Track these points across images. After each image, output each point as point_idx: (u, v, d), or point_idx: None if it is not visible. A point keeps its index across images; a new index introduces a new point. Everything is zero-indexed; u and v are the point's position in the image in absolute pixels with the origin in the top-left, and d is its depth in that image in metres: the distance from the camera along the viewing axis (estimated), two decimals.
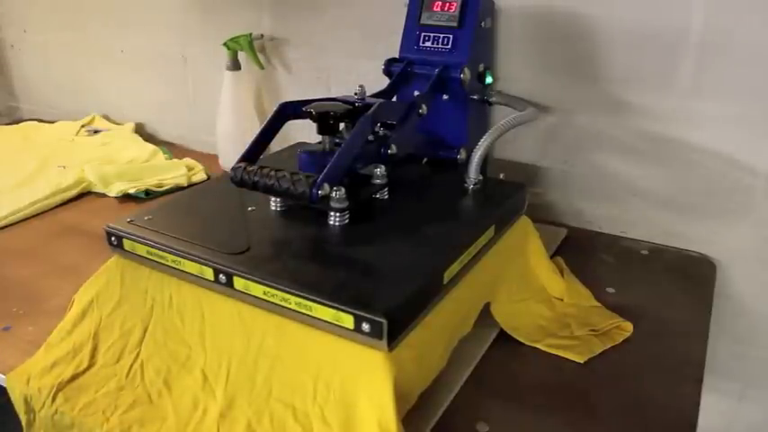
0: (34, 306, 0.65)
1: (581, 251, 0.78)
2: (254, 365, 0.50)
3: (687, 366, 0.57)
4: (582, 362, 0.56)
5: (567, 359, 0.57)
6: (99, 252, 0.60)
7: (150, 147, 1.11)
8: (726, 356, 0.82)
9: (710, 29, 0.70)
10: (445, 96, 0.75)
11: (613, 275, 0.72)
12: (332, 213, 0.57)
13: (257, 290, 0.49)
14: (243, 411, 0.48)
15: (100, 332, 0.56)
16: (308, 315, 0.47)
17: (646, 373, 0.56)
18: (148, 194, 0.92)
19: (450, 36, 0.73)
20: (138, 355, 0.54)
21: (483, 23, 0.75)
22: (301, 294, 0.47)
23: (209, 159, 1.05)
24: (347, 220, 0.57)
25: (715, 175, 0.75)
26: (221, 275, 0.51)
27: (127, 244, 0.56)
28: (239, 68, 1.01)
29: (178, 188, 0.96)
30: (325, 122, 0.59)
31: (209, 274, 0.51)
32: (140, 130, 1.22)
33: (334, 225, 0.57)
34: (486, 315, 0.58)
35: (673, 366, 0.57)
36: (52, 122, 1.26)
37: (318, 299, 0.46)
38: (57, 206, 0.90)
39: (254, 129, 1.04)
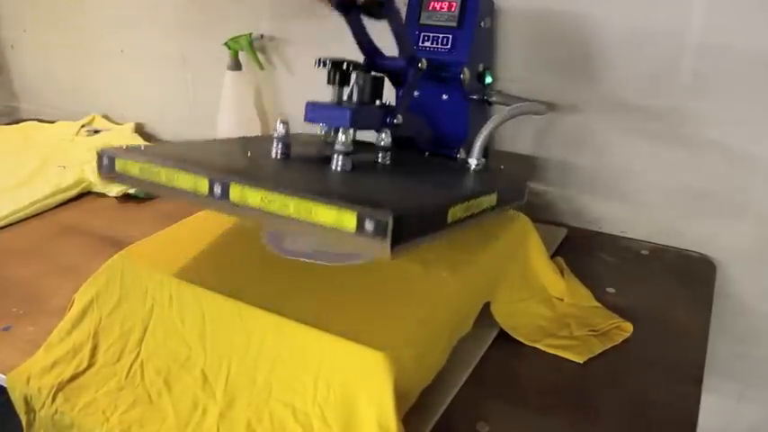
0: (34, 306, 0.65)
1: (581, 251, 0.78)
2: (254, 365, 0.50)
3: (687, 366, 0.57)
4: (581, 362, 0.56)
5: (567, 359, 0.57)
6: (99, 252, 0.60)
7: None
8: (726, 356, 0.82)
9: (710, 29, 0.70)
10: (445, 96, 0.75)
11: (613, 275, 0.72)
12: (336, 157, 0.55)
13: (254, 198, 0.47)
14: (243, 411, 0.48)
15: (100, 332, 0.56)
16: (307, 222, 0.44)
17: (646, 373, 0.56)
18: (148, 194, 0.92)
19: (450, 36, 0.73)
20: (138, 354, 0.54)
21: (483, 23, 0.75)
22: (301, 196, 0.44)
23: None
24: (350, 168, 0.55)
25: (715, 174, 0.76)
26: (216, 186, 0.48)
27: (119, 164, 0.54)
28: (240, 68, 1.01)
29: None
30: (339, 70, 0.59)
31: (203, 186, 0.49)
32: (140, 130, 1.22)
33: (336, 170, 0.55)
34: (486, 315, 0.58)
35: (673, 366, 0.57)
36: (52, 122, 1.26)
37: (320, 199, 0.44)
38: (57, 206, 0.90)
39: (255, 128, 1.04)
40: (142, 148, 0.56)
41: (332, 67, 0.59)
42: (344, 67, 0.59)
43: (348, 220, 0.42)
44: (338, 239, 0.43)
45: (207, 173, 0.49)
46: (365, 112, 0.59)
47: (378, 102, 0.62)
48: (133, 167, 0.53)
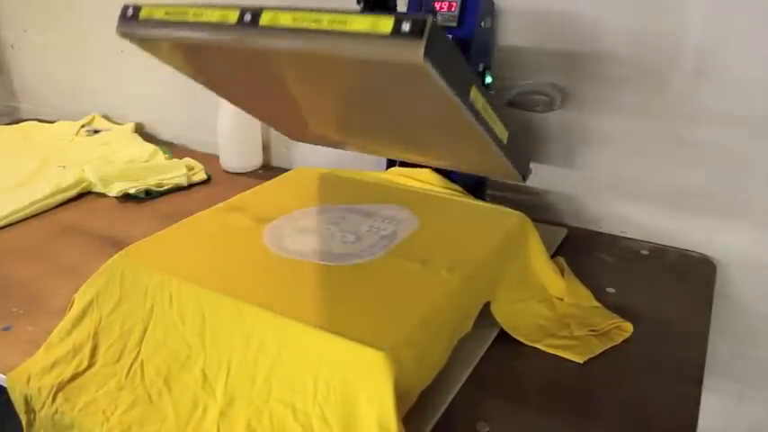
0: (34, 306, 0.65)
1: (581, 251, 0.78)
2: (254, 365, 0.50)
3: (687, 366, 0.57)
4: (581, 362, 0.57)
5: (567, 359, 0.57)
6: (99, 252, 0.60)
7: (150, 147, 1.11)
8: (726, 356, 0.82)
9: (710, 28, 0.70)
10: None
11: (613, 275, 0.72)
12: None
13: (286, 18, 0.46)
14: (243, 411, 0.48)
15: (100, 332, 0.56)
16: (340, 32, 0.43)
17: (646, 373, 0.56)
18: (148, 194, 0.92)
19: (450, 36, 0.73)
20: (138, 354, 0.54)
21: (483, 23, 0.75)
22: (335, 10, 0.44)
23: (209, 159, 1.05)
24: None
25: (715, 174, 0.76)
26: (247, 14, 0.47)
27: (144, 12, 0.54)
28: None
29: (178, 188, 0.96)
30: None
31: (233, 17, 0.48)
32: (140, 130, 1.22)
33: None
34: (486, 315, 0.58)
35: (673, 366, 0.57)
36: (52, 122, 1.26)
37: (354, 11, 0.43)
38: (57, 206, 0.90)
39: (256, 129, 1.04)
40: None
41: None
42: None
43: (384, 24, 0.41)
44: (371, 46, 0.42)
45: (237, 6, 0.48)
46: None
47: None
48: (158, 12, 0.53)
